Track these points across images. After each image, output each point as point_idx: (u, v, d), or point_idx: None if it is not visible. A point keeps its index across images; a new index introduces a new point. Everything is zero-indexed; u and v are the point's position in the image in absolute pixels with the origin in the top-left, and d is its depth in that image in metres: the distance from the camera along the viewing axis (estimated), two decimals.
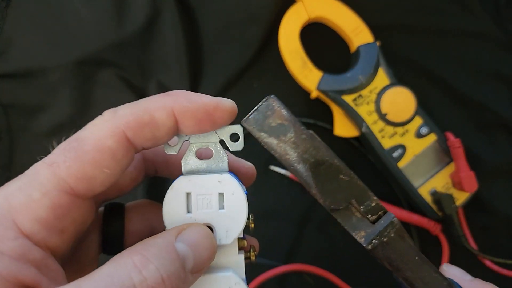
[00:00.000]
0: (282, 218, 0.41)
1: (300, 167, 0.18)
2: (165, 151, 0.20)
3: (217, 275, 0.19)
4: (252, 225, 0.21)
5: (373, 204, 0.19)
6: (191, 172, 0.20)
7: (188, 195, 0.19)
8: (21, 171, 0.17)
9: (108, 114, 0.18)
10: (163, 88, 0.41)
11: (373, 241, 0.18)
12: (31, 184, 0.17)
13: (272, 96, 0.18)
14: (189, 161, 0.20)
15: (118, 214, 0.23)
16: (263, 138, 0.18)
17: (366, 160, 0.42)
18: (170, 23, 0.40)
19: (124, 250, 0.17)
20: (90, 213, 0.19)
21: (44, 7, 0.41)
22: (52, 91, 0.41)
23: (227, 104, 0.19)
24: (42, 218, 0.16)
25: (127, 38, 0.40)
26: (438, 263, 0.40)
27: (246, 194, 0.20)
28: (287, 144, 0.18)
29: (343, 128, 0.40)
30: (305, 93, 0.41)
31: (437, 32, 0.43)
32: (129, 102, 0.46)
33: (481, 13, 0.43)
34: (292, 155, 0.18)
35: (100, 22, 0.41)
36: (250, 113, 0.18)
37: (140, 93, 0.41)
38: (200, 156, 0.20)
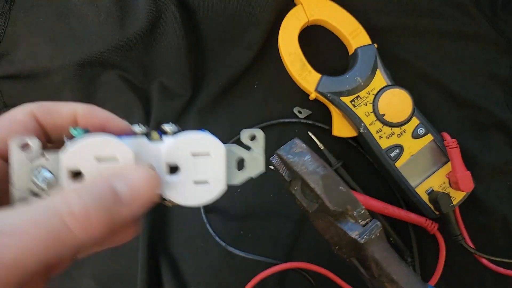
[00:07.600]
0: (282, 217, 0.42)
1: (314, 177, 0.24)
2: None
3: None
4: None
5: (362, 211, 0.25)
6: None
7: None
8: None
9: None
10: (165, 89, 0.41)
11: (365, 236, 0.24)
12: None
13: (295, 138, 0.26)
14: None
15: None
16: (289, 158, 0.25)
17: (364, 160, 0.42)
18: (172, 26, 0.41)
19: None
20: None
21: (48, 9, 0.41)
22: (56, 92, 0.41)
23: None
24: None
25: (130, 40, 0.41)
26: (435, 262, 0.41)
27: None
28: (306, 161, 0.25)
29: (341, 128, 0.41)
30: (305, 94, 0.41)
31: (434, 34, 0.43)
32: (132, 103, 0.46)
33: (478, 15, 0.43)
34: (309, 168, 0.25)
35: (103, 24, 0.41)
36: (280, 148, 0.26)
37: (142, 94, 0.42)
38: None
